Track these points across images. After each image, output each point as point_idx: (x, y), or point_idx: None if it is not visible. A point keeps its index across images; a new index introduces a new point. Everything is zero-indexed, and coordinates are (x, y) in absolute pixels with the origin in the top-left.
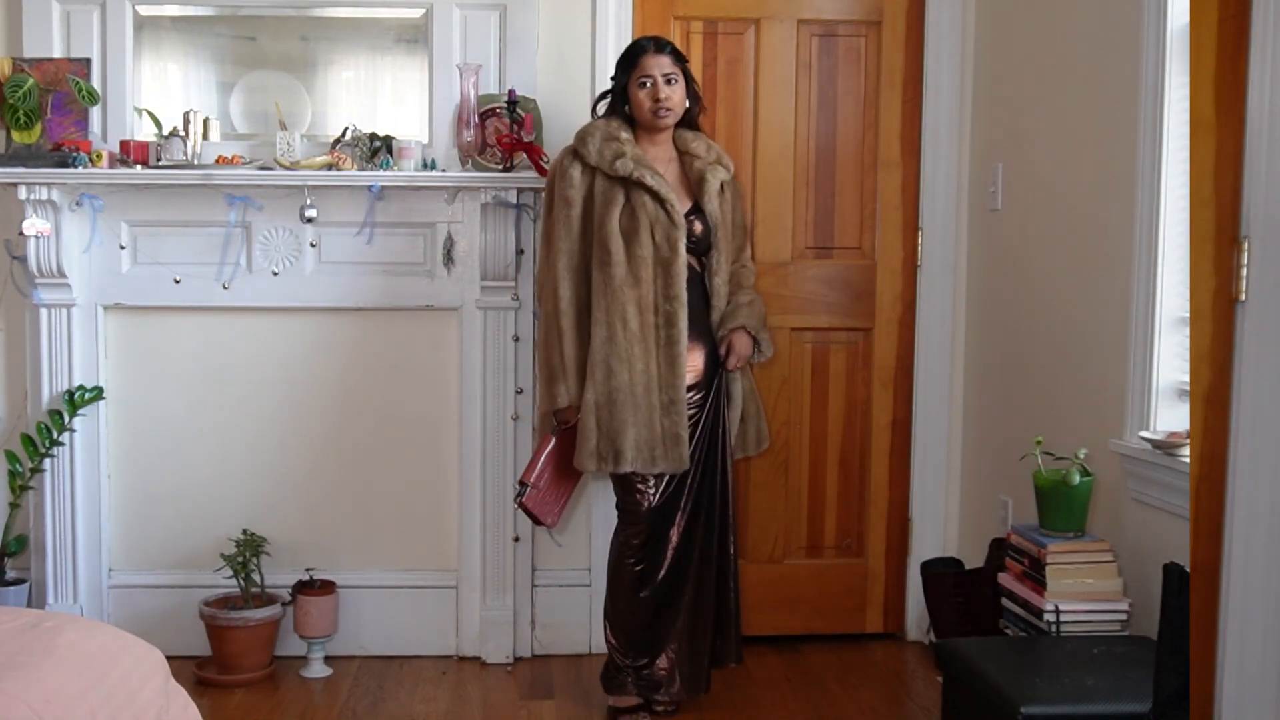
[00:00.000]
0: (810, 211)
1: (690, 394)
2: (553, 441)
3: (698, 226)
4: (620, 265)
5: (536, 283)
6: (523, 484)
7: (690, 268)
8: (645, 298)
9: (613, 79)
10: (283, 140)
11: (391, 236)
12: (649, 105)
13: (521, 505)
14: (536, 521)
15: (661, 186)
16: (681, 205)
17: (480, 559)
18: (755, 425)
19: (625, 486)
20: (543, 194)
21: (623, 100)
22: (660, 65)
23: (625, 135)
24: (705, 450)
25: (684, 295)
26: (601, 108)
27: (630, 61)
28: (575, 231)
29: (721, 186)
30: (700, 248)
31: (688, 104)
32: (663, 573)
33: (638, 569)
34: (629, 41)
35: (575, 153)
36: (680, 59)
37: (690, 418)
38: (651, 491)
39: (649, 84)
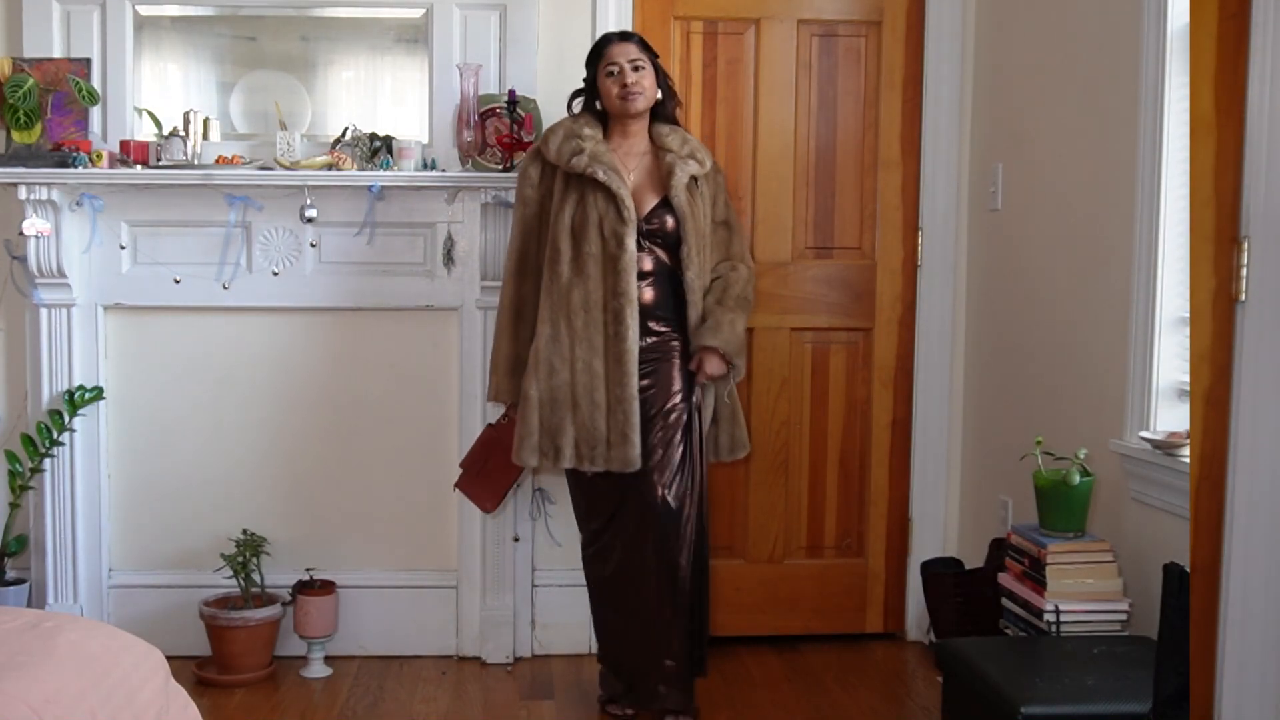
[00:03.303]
0: (810, 211)
1: (674, 398)
2: (485, 430)
3: (669, 222)
4: (566, 263)
5: None
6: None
7: (662, 262)
8: (592, 295)
9: (584, 79)
10: (283, 140)
11: (391, 236)
12: (616, 91)
13: (456, 487)
14: (480, 506)
15: (613, 181)
16: (652, 199)
17: (480, 559)
18: (728, 431)
19: (580, 486)
20: None
21: (594, 95)
22: (626, 53)
23: (589, 132)
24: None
25: (633, 292)
26: (577, 105)
27: (597, 53)
28: (528, 230)
29: (695, 180)
30: (669, 241)
31: (660, 95)
32: (646, 578)
33: (607, 574)
34: None
35: (537, 151)
36: (648, 49)
37: (675, 420)
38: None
39: (616, 71)
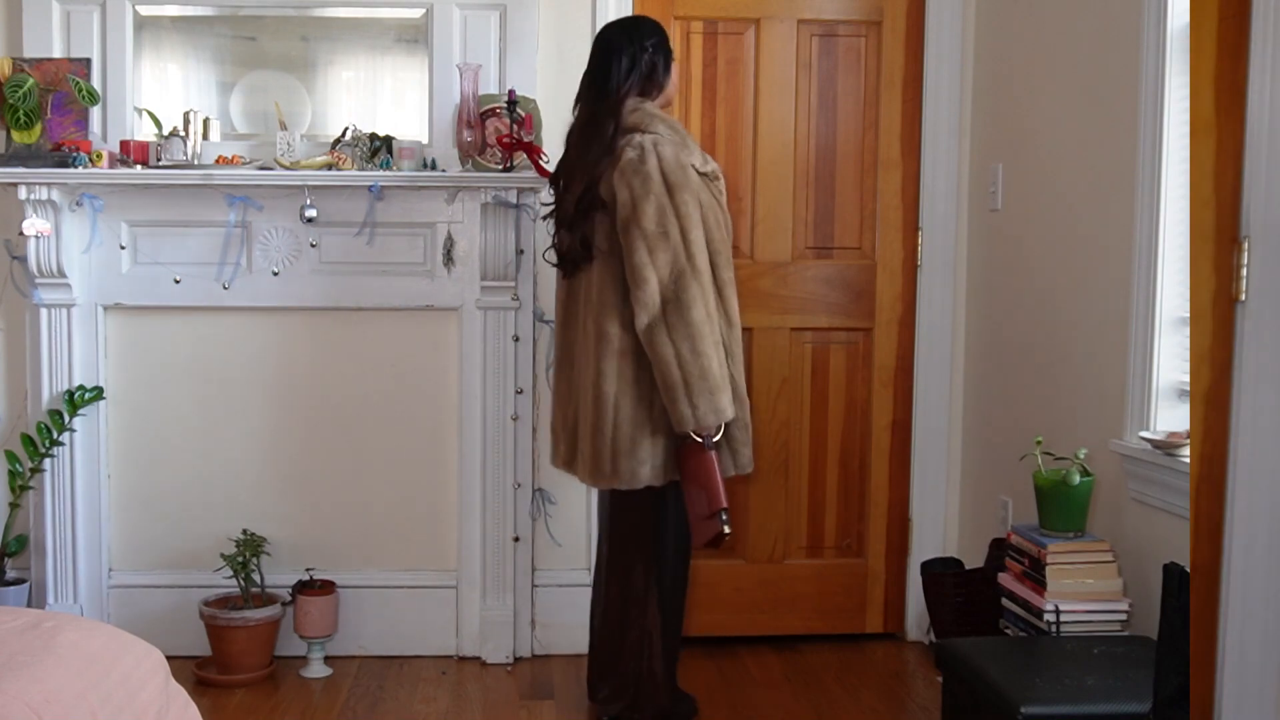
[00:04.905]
0: (810, 211)
1: None
2: (713, 459)
3: None
4: (725, 262)
5: (659, 279)
6: (724, 511)
7: None
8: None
9: (649, 53)
10: (283, 140)
11: (391, 236)
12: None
13: (723, 536)
14: (717, 542)
15: (723, 182)
16: None
17: (480, 559)
18: None
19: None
20: (632, 181)
21: (655, 77)
22: None
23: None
24: None
25: None
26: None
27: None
28: (702, 230)
29: None
30: None
31: None
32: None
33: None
34: None
35: (677, 146)
36: None
37: None
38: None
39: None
